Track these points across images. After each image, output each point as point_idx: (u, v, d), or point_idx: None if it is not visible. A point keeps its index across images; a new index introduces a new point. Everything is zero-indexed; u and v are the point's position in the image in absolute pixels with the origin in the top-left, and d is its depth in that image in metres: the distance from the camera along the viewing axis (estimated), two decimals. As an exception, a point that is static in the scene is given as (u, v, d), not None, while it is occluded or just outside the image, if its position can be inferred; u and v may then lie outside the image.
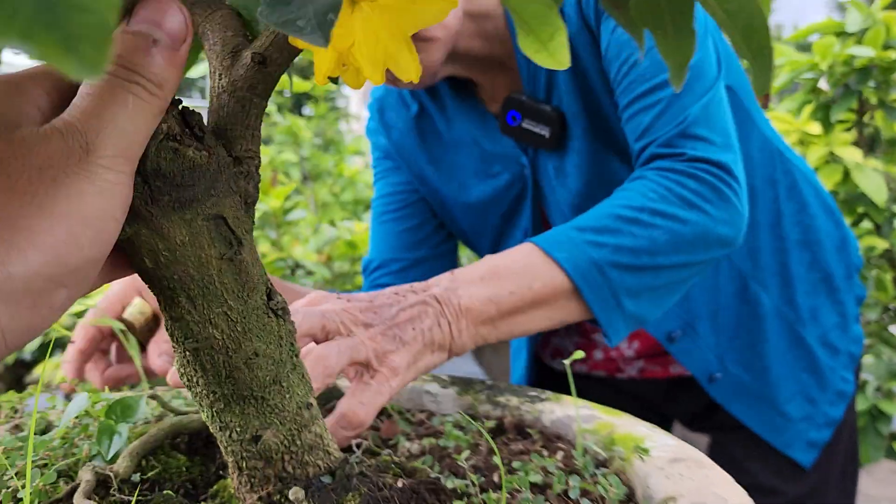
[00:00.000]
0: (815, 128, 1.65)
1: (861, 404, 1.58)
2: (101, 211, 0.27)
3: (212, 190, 0.33)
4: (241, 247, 0.34)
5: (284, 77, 0.36)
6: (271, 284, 0.37)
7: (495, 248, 0.98)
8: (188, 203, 0.32)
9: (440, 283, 0.61)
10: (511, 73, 0.87)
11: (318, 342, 0.54)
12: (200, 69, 1.11)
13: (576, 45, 0.80)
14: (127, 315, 0.74)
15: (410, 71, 0.30)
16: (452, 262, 1.05)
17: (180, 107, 0.32)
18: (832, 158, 1.62)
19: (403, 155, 1.00)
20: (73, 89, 0.28)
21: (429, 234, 1.02)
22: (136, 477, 0.44)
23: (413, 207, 1.01)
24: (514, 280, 0.62)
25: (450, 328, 0.59)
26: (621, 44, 0.75)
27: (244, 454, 0.37)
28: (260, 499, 0.38)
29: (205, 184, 0.33)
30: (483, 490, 0.44)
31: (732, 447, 1.00)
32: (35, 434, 0.53)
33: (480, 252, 1.02)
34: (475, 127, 0.92)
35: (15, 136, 0.26)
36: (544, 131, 0.84)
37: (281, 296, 0.38)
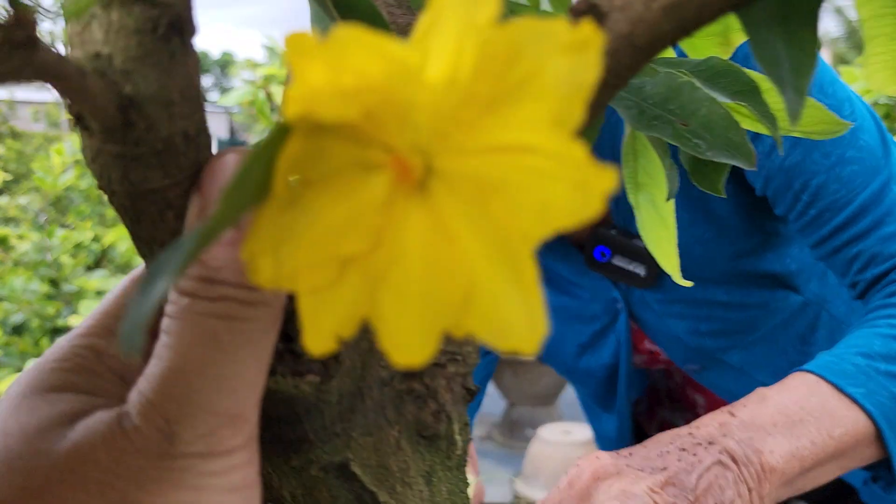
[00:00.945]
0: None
1: None
2: None
3: (337, 427, 0.22)
4: (380, 513, 0.22)
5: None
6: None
7: (572, 373, 0.91)
8: (295, 445, 0.22)
9: (729, 431, 0.52)
10: None
11: None
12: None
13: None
14: None
15: (524, 336, 0.14)
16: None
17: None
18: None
19: None
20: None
21: None
22: None
23: None
24: (812, 426, 0.53)
25: (750, 495, 0.50)
26: (789, 170, 0.65)
27: None
28: None
29: (321, 420, 0.22)
30: None
31: None
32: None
33: (553, 366, 0.94)
34: (555, 257, 0.84)
35: (79, 438, 0.17)
36: (639, 269, 0.75)
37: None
